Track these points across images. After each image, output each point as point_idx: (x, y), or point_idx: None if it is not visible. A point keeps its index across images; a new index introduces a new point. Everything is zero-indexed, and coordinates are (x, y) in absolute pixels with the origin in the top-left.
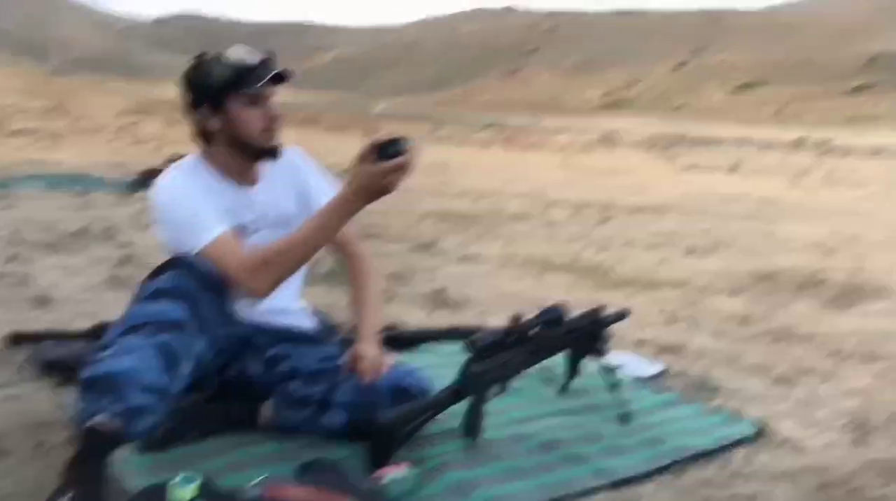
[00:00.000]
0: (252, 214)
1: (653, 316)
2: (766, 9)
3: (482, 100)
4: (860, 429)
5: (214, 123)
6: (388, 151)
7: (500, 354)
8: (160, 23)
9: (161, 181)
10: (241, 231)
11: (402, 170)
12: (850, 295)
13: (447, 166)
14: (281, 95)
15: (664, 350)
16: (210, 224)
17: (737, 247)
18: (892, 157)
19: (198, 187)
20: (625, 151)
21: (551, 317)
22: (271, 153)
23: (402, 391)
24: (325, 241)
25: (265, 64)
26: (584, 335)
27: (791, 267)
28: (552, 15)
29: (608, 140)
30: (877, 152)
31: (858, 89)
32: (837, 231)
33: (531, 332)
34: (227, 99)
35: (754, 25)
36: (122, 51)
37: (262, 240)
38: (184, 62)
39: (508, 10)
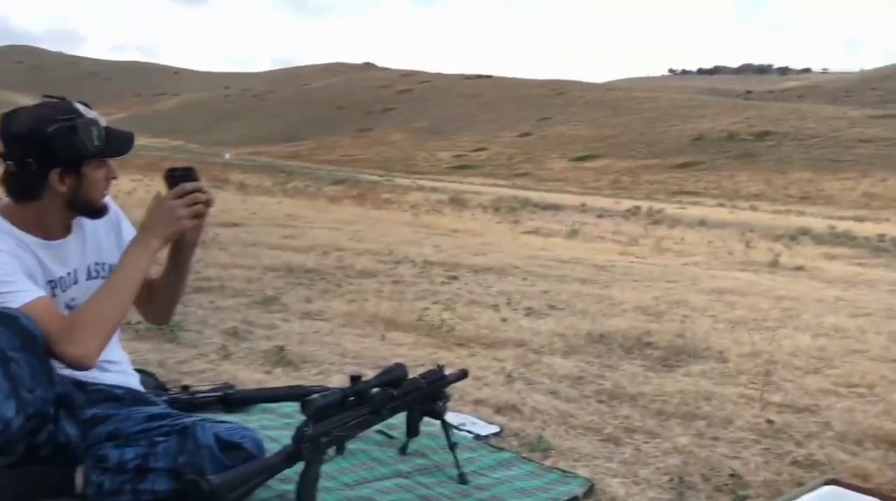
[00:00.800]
0: (65, 268)
1: (492, 376)
2: (606, 84)
3: (334, 155)
4: (680, 486)
5: (61, 184)
6: (177, 182)
7: (338, 415)
8: None
9: None
10: (55, 287)
11: (191, 199)
12: (674, 356)
13: (295, 219)
14: None
15: (502, 409)
16: (25, 287)
17: (572, 310)
18: (714, 228)
19: (7, 245)
20: (472, 213)
21: (392, 377)
22: (103, 210)
23: (234, 446)
24: (134, 287)
25: (131, 136)
26: (424, 395)
27: (621, 330)
28: (408, 75)
29: (457, 201)
30: (701, 223)
31: (685, 165)
32: (664, 296)
33: (371, 392)
34: (86, 164)
35: (594, 100)
36: None
37: (80, 294)
38: (13, 98)
39: (367, 67)
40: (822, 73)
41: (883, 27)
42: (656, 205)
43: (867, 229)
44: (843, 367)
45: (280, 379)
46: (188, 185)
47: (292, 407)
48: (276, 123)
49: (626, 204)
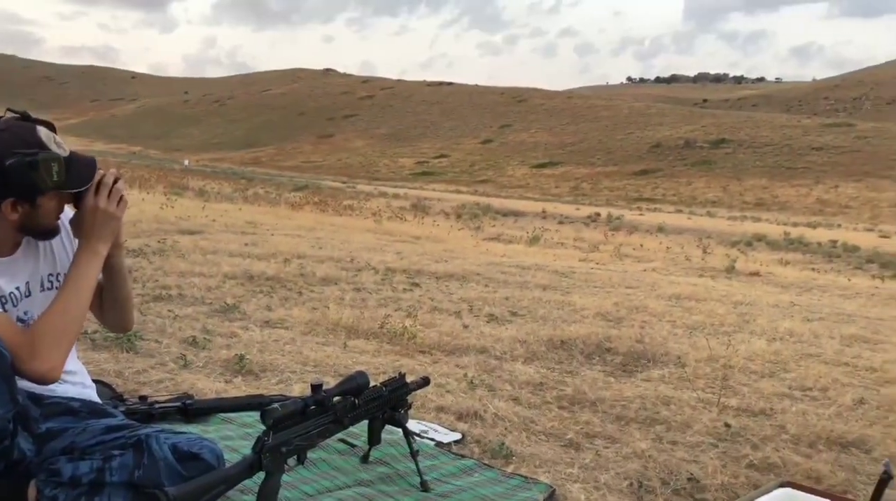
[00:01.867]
0: (14, 283)
1: (454, 383)
2: (565, 92)
3: (295, 161)
4: (640, 491)
5: (13, 212)
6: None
7: (299, 425)
8: None
9: None
10: (5, 303)
11: (115, 192)
12: (633, 362)
13: (254, 226)
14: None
15: (464, 416)
16: None
17: (534, 316)
18: (672, 234)
19: None
20: (434, 219)
21: (353, 386)
22: (55, 232)
23: (192, 457)
24: (88, 295)
25: (92, 164)
26: (385, 403)
27: (582, 336)
28: (369, 81)
29: (419, 208)
30: (659, 229)
31: (643, 172)
32: (623, 301)
33: (332, 401)
34: (42, 196)
35: (554, 108)
36: None
37: (34, 306)
38: None
39: (328, 73)
40: (776, 82)
41: (833, 38)
42: (616, 212)
43: (820, 235)
44: (797, 371)
45: (240, 388)
46: (106, 180)
47: (252, 417)
48: (236, 129)
49: (587, 210)
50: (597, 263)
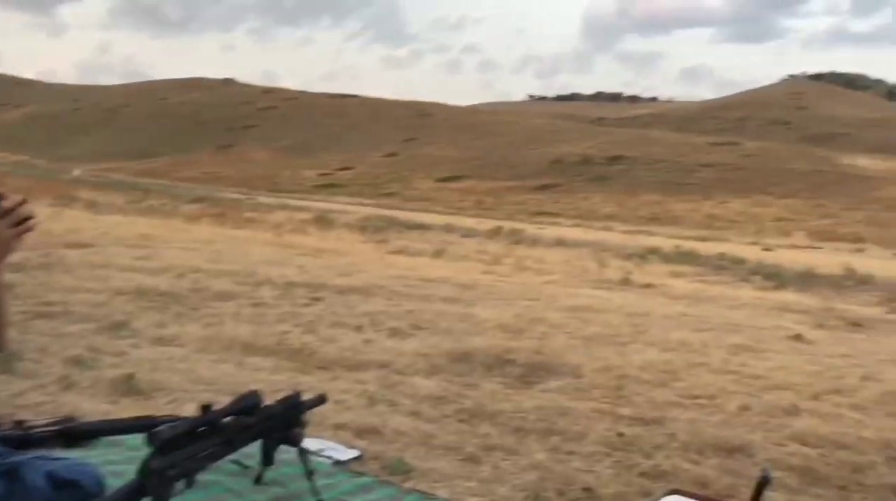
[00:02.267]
0: None
1: (353, 399)
2: (469, 107)
3: (193, 172)
4: None
5: None
6: None
7: (188, 447)
8: None
9: None
10: None
11: (14, 218)
12: (532, 373)
13: (149, 239)
14: None
15: (363, 432)
16: None
17: (436, 329)
18: (571, 247)
19: None
20: (338, 232)
21: (245, 405)
22: None
23: (70, 484)
24: None
25: None
26: (280, 422)
27: (483, 348)
28: (271, 92)
29: (322, 220)
30: (559, 243)
31: (544, 187)
32: (524, 313)
33: (223, 421)
34: None
35: (459, 122)
36: None
37: None
38: None
39: (228, 83)
40: (668, 101)
41: (720, 61)
42: (518, 226)
43: (709, 248)
44: (687, 380)
45: (128, 409)
46: (7, 204)
47: (140, 440)
48: (130, 138)
49: (490, 224)
50: (499, 276)
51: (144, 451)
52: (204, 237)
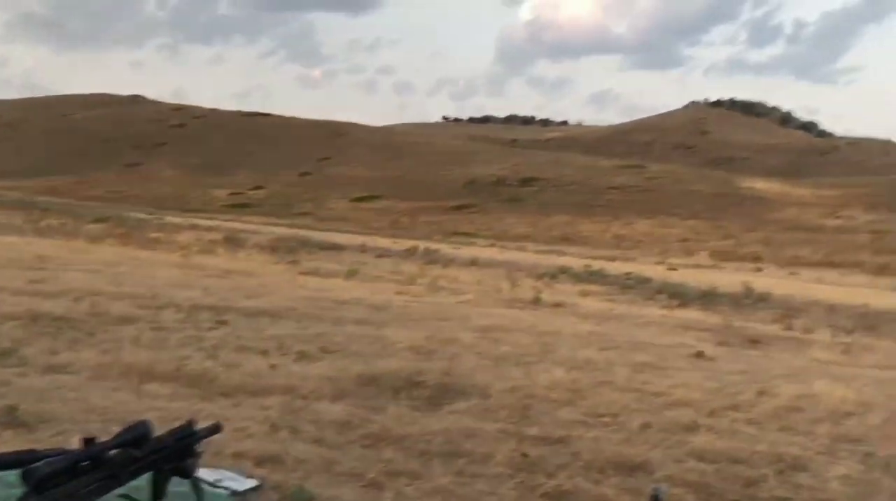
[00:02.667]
0: None
1: (255, 426)
2: (384, 127)
3: (98, 191)
4: None
5: None
6: None
7: (68, 484)
8: None
9: None
10: None
11: None
12: (441, 395)
13: (46, 261)
14: None
15: (264, 461)
16: None
17: (346, 352)
18: (485, 267)
19: None
20: (248, 253)
21: (134, 436)
22: None
23: None
24: None
25: None
26: (171, 453)
27: (393, 370)
28: (181, 109)
29: (232, 241)
30: (473, 263)
31: (459, 207)
32: (436, 334)
33: (108, 455)
34: None
35: (374, 142)
36: None
37: None
38: None
39: (136, 99)
40: (578, 125)
41: (627, 87)
42: (433, 246)
43: (617, 267)
44: (592, 398)
45: (8, 443)
46: None
47: (16, 477)
48: (29, 155)
49: (405, 244)
50: (413, 296)
51: (21, 489)
52: (106, 258)
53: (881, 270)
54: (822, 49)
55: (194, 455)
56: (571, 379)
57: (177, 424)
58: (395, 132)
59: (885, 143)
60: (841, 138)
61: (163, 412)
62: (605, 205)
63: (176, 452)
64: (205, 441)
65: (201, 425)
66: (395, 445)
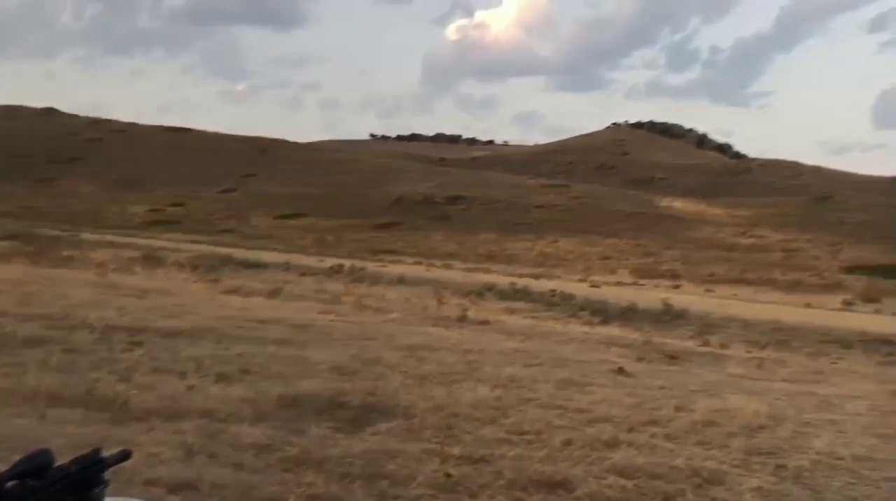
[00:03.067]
0: None
1: (169, 452)
2: (310, 144)
3: (7, 206)
4: None
5: None
6: None
7: None
8: None
9: None
10: None
11: None
12: (364, 416)
13: None
14: None
15: (178, 487)
16: None
17: (267, 373)
18: (412, 285)
19: None
20: (167, 271)
21: (33, 466)
22: None
23: None
24: None
25: None
26: (75, 483)
27: (314, 392)
28: (98, 123)
29: (150, 259)
30: (399, 281)
31: (386, 225)
32: (360, 354)
33: (4, 487)
34: None
35: (299, 159)
36: None
37: None
38: None
39: (50, 112)
40: (504, 145)
41: (551, 108)
42: (359, 264)
43: (542, 285)
44: (516, 416)
45: None
46: None
47: None
48: None
49: (330, 262)
50: (337, 315)
51: None
52: (14, 277)
53: (792, 287)
54: (736, 74)
55: (101, 483)
56: (495, 396)
57: (83, 451)
58: (321, 149)
59: (794, 165)
60: (754, 160)
61: (70, 438)
62: (530, 223)
63: (81, 482)
64: (113, 468)
65: (110, 452)
66: (315, 468)
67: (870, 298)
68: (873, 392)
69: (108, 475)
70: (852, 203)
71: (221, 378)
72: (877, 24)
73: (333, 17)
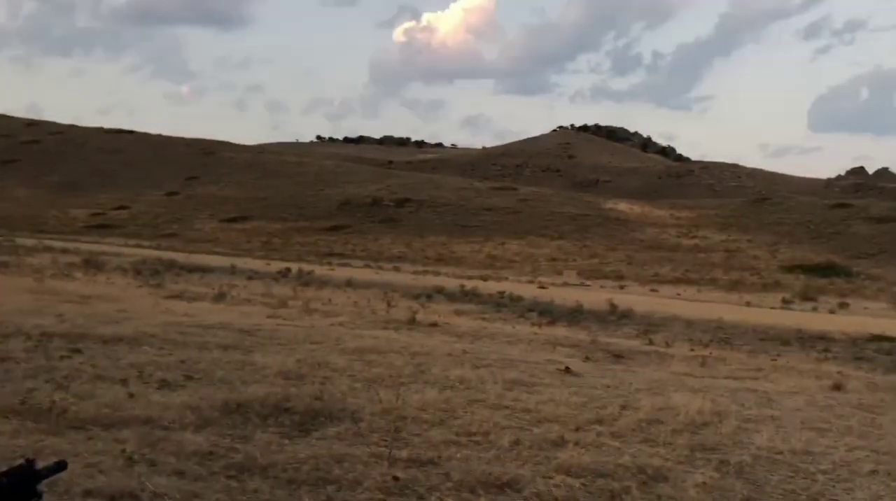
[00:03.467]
0: None
1: (109, 461)
2: (255, 146)
3: None
4: None
5: None
6: None
7: None
8: None
9: None
10: None
11: None
12: (311, 420)
13: None
14: None
15: (118, 497)
16: None
17: (211, 379)
18: (360, 288)
19: None
20: (109, 277)
21: None
22: None
23: None
24: None
25: None
26: (7, 495)
27: (260, 397)
28: (35, 125)
29: (91, 264)
30: (348, 284)
31: (334, 228)
32: (307, 358)
33: None
34: None
35: (245, 162)
36: None
37: None
38: None
39: None
40: (452, 147)
41: (498, 111)
42: (307, 267)
43: (490, 287)
44: (464, 417)
45: None
46: None
47: None
48: None
49: (277, 265)
50: (284, 319)
51: None
52: None
53: (733, 286)
54: (678, 79)
55: (35, 496)
56: (444, 398)
57: (16, 462)
58: (266, 151)
59: (735, 167)
60: (695, 162)
61: (4, 449)
62: (478, 225)
63: (13, 494)
64: (48, 480)
65: (45, 462)
66: (261, 474)
67: (807, 296)
68: (811, 387)
69: (42, 486)
70: (790, 204)
71: (164, 384)
72: (811, 31)
73: (279, 18)
